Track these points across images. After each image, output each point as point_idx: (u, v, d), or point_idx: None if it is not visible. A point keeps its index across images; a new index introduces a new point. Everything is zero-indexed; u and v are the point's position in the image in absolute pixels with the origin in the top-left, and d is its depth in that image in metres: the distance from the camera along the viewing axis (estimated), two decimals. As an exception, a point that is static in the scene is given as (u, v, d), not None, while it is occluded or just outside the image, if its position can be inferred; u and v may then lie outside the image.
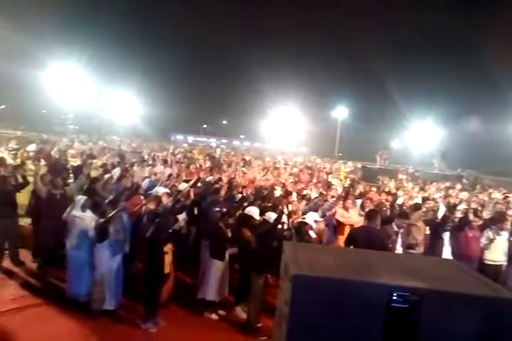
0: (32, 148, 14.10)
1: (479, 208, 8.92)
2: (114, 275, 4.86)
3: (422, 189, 13.07)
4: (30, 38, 31.48)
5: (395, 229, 6.08)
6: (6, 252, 6.12)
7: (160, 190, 5.88)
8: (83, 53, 32.29)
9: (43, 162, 10.71)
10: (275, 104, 42.70)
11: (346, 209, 6.76)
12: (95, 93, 36.78)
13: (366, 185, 11.25)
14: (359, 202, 8.18)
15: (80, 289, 4.91)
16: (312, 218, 5.32)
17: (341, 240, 6.68)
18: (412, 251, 6.37)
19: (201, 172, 9.45)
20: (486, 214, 8.32)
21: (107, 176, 7.45)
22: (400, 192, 10.55)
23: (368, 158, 26.46)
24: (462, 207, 8.49)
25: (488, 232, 6.34)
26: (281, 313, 2.40)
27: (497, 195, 13.00)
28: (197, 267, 5.73)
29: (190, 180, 7.33)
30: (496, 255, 6.30)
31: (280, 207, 6.00)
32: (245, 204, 6.47)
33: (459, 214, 7.45)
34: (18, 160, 10.23)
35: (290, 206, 7.03)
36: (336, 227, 6.60)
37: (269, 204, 6.48)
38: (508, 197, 11.68)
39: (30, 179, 6.74)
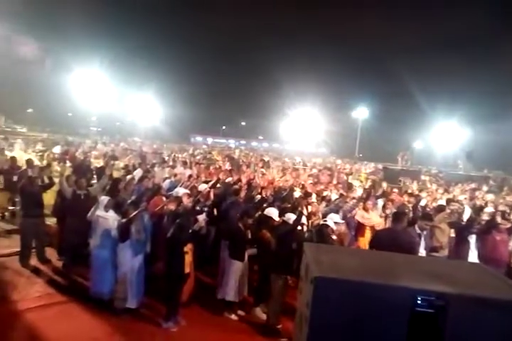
0: (57, 150, 14.53)
1: (507, 210, 8.59)
2: (136, 275, 4.94)
3: (446, 190, 12.70)
4: (56, 44, 32.55)
5: (418, 231, 5.93)
6: (34, 250, 6.33)
7: (180, 190, 5.94)
8: (106, 57, 33.19)
9: (68, 163, 11.02)
10: (294, 105, 42.60)
11: (366, 210, 6.66)
12: (117, 96, 37.65)
13: (388, 186, 11.02)
14: (380, 203, 8.04)
15: (104, 287, 5.02)
16: (333, 220, 5.26)
17: (362, 241, 6.59)
18: (435, 254, 6.18)
19: (220, 173, 9.51)
20: (515, 217, 7.99)
21: (128, 177, 7.60)
22: (423, 194, 10.29)
23: (389, 159, 26.03)
24: (489, 209, 8.18)
25: (517, 236, 6.10)
26: (301, 315, 2.38)
27: (526, 197, 12.48)
28: (216, 267, 5.76)
29: (209, 181, 7.39)
30: (525, 259, 6.04)
31: (299, 208, 5.96)
32: (264, 205, 6.46)
33: (485, 217, 7.19)
34: (45, 162, 10.56)
35: (310, 207, 6.97)
36: (357, 229, 6.51)
37: (289, 206, 6.45)
38: (537, 199, 11.20)
39: (56, 180, 6.96)
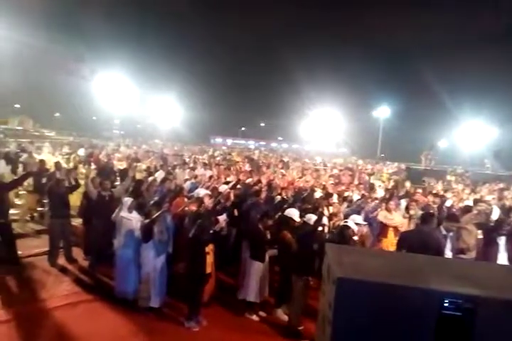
0: (81, 152, 14.98)
1: (539, 211, 8.22)
2: (159, 274, 5.02)
3: (473, 190, 12.30)
4: (81, 50, 33.60)
5: (444, 232, 5.77)
6: (61, 250, 6.54)
7: (201, 191, 6.00)
8: (128, 62, 34.02)
9: (92, 166, 11.32)
10: (314, 105, 42.28)
11: (389, 210, 6.53)
12: (139, 99, 38.52)
13: (411, 186, 10.78)
14: (403, 203, 7.87)
15: (128, 287, 5.13)
16: (355, 221, 5.18)
17: (384, 243, 6.47)
18: (462, 256, 5.99)
19: (241, 174, 9.54)
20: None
21: (150, 179, 7.74)
22: (448, 194, 10.00)
23: (412, 158, 25.44)
24: (519, 209, 7.86)
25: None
26: (324, 317, 2.36)
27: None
28: (237, 268, 5.79)
29: (230, 182, 7.43)
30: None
31: (320, 209, 5.91)
32: (285, 206, 6.44)
33: (515, 218, 6.91)
34: (71, 164, 10.90)
35: (331, 208, 6.91)
36: (379, 229, 6.39)
37: (309, 206, 6.40)
38: None
39: (82, 182, 7.17)
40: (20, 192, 9.10)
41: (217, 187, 7.01)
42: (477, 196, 10.49)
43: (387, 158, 33.61)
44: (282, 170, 12.58)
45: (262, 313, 5.23)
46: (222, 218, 5.69)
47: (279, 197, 7.35)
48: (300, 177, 10.88)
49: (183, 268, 5.11)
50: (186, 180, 8.63)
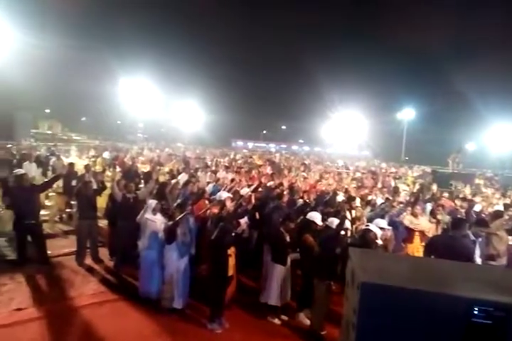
0: (106, 155, 15.40)
1: None
2: (182, 276, 5.08)
3: (504, 195, 11.84)
4: (105, 57, 34.70)
5: (472, 238, 5.59)
6: (88, 250, 6.74)
7: (223, 194, 6.04)
8: (152, 67, 34.86)
9: (117, 168, 11.63)
10: (336, 107, 41.82)
11: (415, 215, 6.38)
12: (162, 103, 39.32)
13: (437, 190, 10.49)
14: (428, 207, 7.68)
15: (151, 287, 5.23)
16: (379, 225, 5.08)
17: (410, 248, 6.32)
18: (492, 262, 5.78)
19: (262, 177, 9.56)
20: None
21: (173, 181, 7.87)
22: (476, 199, 9.68)
23: (438, 161, 24.71)
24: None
25: None
26: (348, 321, 2.33)
27: None
28: (258, 271, 5.78)
29: (251, 185, 7.45)
30: None
31: (343, 213, 5.83)
32: (307, 209, 6.40)
33: (549, 223, 6.61)
34: (97, 167, 11.24)
35: (354, 212, 6.81)
36: (404, 234, 6.25)
37: (332, 210, 6.34)
38: None
39: (107, 184, 7.38)
40: (50, 194, 9.45)
41: (238, 190, 7.05)
42: (507, 200, 10.10)
43: (412, 161, 32.77)
44: (304, 173, 12.52)
45: (283, 317, 5.20)
46: (244, 221, 5.72)
47: (301, 201, 7.32)
48: (318, 181, 10.77)
49: (205, 270, 5.16)
50: (208, 183, 8.72)
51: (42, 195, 8.16)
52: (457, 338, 1.95)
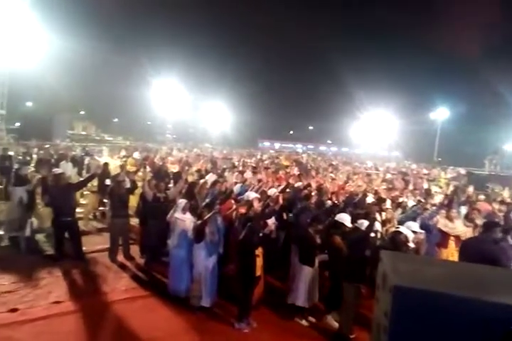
0: (136, 155, 15.81)
1: None
2: (210, 275, 5.16)
3: (546, 198, 11.18)
4: (137, 59, 35.73)
5: (511, 242, 5.32)
6: (120, 247, 6.97)
7: (251, 194, 6.06)
8: (181, 68, 35.57)
9: (148, 168, 11.91)
10: (365, 107, 40.97)
11: (451, 218, 6.15)
12: (190, 104, 40.02)
13: (473, 192, 10.06)
14: (463, 210, 7.39)
15: (180, 285, 5.34)
16: (410, 228, 4.94)
17: (444, 253, 6.10)
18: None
19: (290, 178, 9.52)
20: None
21: (201, 181, 7.98)
22: (516, 202, 9.20)
23: (473, 163, 23.73)
24: None
25: None
26: (379, 325, 2.29)
27: None
28: (285, 271, 5.77)
29: (279, 186, 7.44)
30: None
31: (372, 215, 5.72)
32: (336, 210, 6.32)
33: None
34: (128, 167, 11.55)
35: (384, 214, 6.66)
36: (439, 239, 6.03)
37: (361, 212, 6.22)
38: None
39: (138, 184, 7.59)
40: (84, 193, 9.84)
41: (266, 190, 7.06)
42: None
43: (445, 163, 31.57)
44: (332, 174, 12.36)
45: (311, 318, 5.17)
46: (271, 221, 5.72)
47: (329, 202, 7.23)
48: (345, 182, 10.58)
49: (233, 270, 5.20)
50: (236, 183, 8.78)
51: (77, 194, 8.48)
52: (495, 346, 1.87)
